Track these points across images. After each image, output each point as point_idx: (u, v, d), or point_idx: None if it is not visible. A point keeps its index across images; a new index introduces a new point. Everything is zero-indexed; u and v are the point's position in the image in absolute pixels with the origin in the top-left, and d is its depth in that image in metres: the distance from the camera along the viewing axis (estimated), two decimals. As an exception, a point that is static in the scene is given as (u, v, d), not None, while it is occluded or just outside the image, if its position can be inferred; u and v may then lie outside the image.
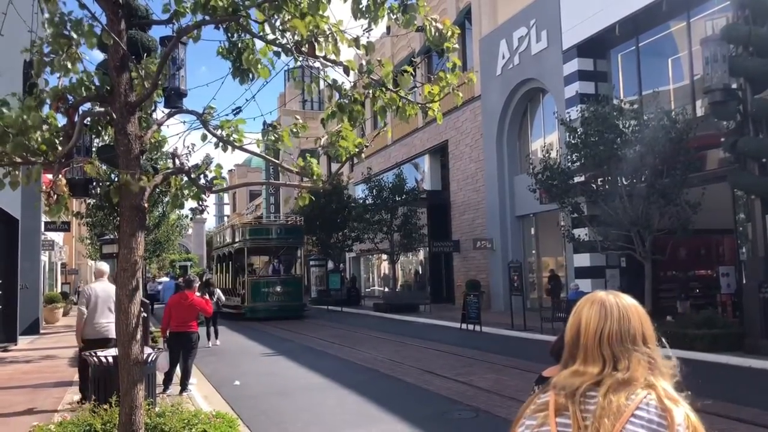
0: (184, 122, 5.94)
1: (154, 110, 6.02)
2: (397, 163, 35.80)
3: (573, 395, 1.61)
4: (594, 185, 17.43)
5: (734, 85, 14.48)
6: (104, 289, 8.79)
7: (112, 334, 7.84)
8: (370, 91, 4.76)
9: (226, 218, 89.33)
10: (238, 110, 5.08)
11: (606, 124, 16.28)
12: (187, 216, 25.01)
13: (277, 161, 5.29)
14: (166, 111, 6.00)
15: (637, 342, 1.64)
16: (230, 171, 74.51)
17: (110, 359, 7.11)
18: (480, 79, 27.42)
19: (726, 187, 15.12)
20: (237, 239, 30.09)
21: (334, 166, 42.62)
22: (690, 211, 15.57)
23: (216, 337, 19.25)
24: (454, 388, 10.55)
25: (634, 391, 1.56)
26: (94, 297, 8.70)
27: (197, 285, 11.25)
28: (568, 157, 17.56)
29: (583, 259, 20.79)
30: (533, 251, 26.96)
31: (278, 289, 27.89)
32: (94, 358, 7.29)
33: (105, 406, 5.83)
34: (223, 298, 22.26)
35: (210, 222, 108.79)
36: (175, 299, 10.64)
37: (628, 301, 1.71)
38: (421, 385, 10.93)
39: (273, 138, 5.16)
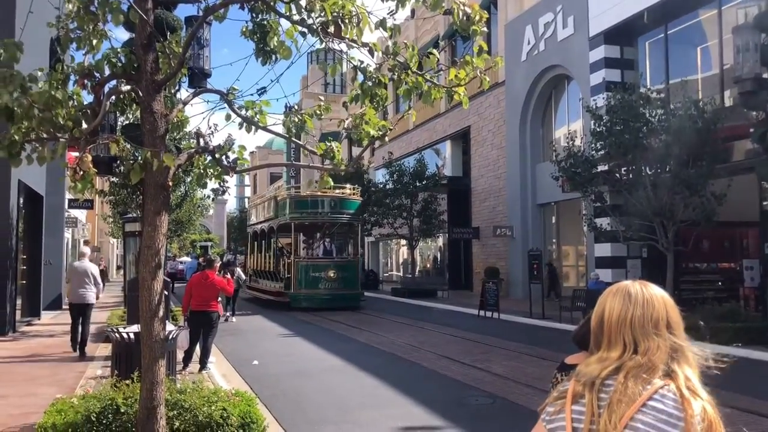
0: (208, 102, 5.96)
1: (179, 90, 6.05)
2: (419, 148, 35.71)
3: (591, 383, 1.60)
4: (618, 174, 17.27)
5: (765, 75, 14.20)
6: (82, 266, 12.03)
7: (88, 300, 12.03)
8: (395, 74, 4.74)
9: (246, 200, 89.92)
10: (263, 91, 5.08)
11: (632, 113, 16.10)
12: (208, 196, 25.04)
13: (300, 142, 5.30)
14: (191, 90, 6.03)
15: (660, 327, 1.63)
16: (251, 153, 74.87)
17: (132, 336, 7.21)
18: (504, 65, 27.18)
19: (753, 179, 14.88)
20: (280, 213, 25.58)
21: (355, 151, 42.65)
22: (715, 202, 15.37)
23: (233, 314, 19.53)
24: (471, 374, 10.56)
25: (652, 378, 1.54)
26: (73, 273, 12.06)
27: (218, 265, 11.35)
28: (593, 145, 17.39)
29: (604, 249, 20.64)
30: (553, 240, 26.82)
31: (331, 273, 23.71)
32: (117, 335, 7.39)
33: (127, 382, 5.92)
34: (243, 276, 22.67)
35: (230, 204, 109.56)
36: (197, 278, 10.75)
37: (654, 290, 1.70)
38: (438, 370, 10.95)
39: (297, 120, 5.17)
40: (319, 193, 24.21)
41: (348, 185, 26.44)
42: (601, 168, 17.78)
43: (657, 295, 1.68)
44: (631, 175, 16.77)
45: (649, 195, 15.86)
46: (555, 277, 24.94)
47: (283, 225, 25.55)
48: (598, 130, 17.08)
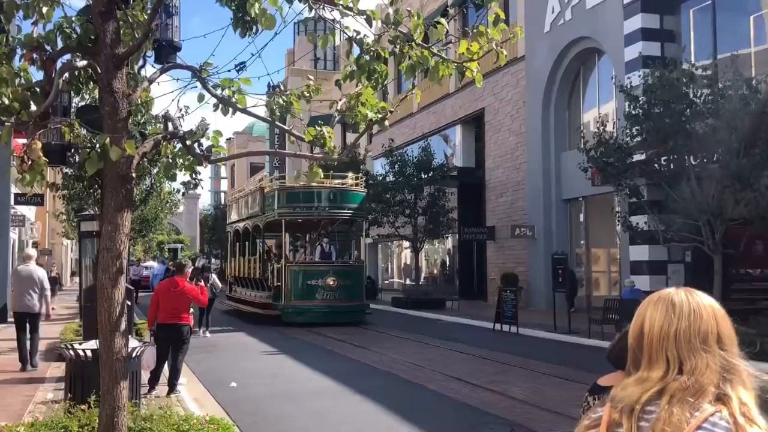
0: (177, 80, 5.94)
1: (143, 66, 6.05)
2: (424, 134, 35.72)
3: (630, 409, 1.59)
4: (657, 165, 17.28)
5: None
6: (27, 269, 12.02)
7: (34, 309, 12.05)
8: (397, 47, 4.74)
9: (222, 195, 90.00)
10: (241, 66, 5.08)
11: (673, 93, 16.11)
12: (178, 191, 24.97)
13: (286, 128, 5.30)
14: (157, 66, 6.02)
15: (709, 342, 1.61)
16: (228, 140, 74.85)
17: (89, 353, 7.22)
18: (524, 37, 27.16)
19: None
20: (268, 208, 24.69)
21: (350, 138, 42.65)
22: (770, 197, 15.38)
23: (207, 328, 19.55)
24: (485, 398, 10.57)
25: (701, 403, 1.53)
26: (18, 278, 12.09)
27: (189, 270, 11.35)
28: (627, 130, 17.40)
29: (640, 252, 20.66)
30: (582, 241, 26.84)
31: (330, 281, 22.63)
32: (71, 352, 7.39)
33: (82, 407, 5.92)
34: (219, 284, 22.44)
35: (204, 199, 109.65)
36: (164, 286, 10.75)
37: (703, 299, 1.69)
38: (446, 393, 10.95)
39: (282, 101, 5.17)
40: (314, 184, 22.67)
41: (350, 174, 25.82)
42: (637, 157, 17.77)
43: (705, 304, 1.67)
44: (672, 166, 16.77)
45: (694, 189, 15.87)
46: (573, 284, 24.97)
47: (271, 223, 24.60)
48: (633, 113, 17.08)
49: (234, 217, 30.63)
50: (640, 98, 16.98)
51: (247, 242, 27.90)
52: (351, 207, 24.17)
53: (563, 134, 26.81)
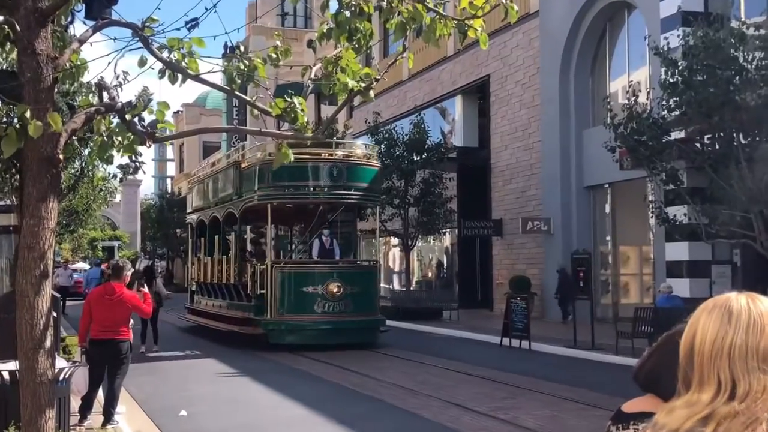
0: (114, 40, 5.88)
1: (72, 22, 6.02)
2: (417, 107, 35.71)
3: None
4: (699, 144, 17.37)
5: None
6: None
7: None
8: (384, 0, 4.75)
9: (169, 180, 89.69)
10: (193, 23, 5.07)
11: (719, 57, 16.18)
12: (114, 176, 24.84)
13: (248, 99, 5.30)
14: (90, 24, 5.99)
15: None
16: (176, 114, 74.62)
17: (6, 375, 7.20)
18: (538, -12, 27.23)
19: None
20: (246, 190, 22.32)
21: (326, 111, 42.62)
22: (836, 184, 15.52)
23: (156, 342, 19.53)
24: (491, 428, 10.61)
25: None
26: None
27: (129, 274, 11.30)
28: (664, 102, 17.48)
29: (679, 251, 20.79)
30: (607, 238, 26.97)
31: (334, 287, 20.30)
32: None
33: (-1, 441, 5.91)
34: (164, 290, 22.25)
35: (146, 186, 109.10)
36: (98, 294, 10.70)
37: (766, 305, 1.69)
38: (444, 423, 10.96)
39: (243, 65, 5.16)
40: (311, 157, 21.23)
41: (359, 142, 24.76)
42: (675, 135, 17.86)
43: None
44: (717, 146, 16.86)
45: (744, 173, 15.97)
46: (567, 288, 25.12)
47: (250, 209, 22.73)
48: (671, 81, 17.15)
49: (196, 204, 28.42)
50: (679, 63, 17.04)
51: (216, 236, 25.41)
52: (360, 187, 21.86)
53: (585, 107, 26.88)
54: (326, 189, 21.54)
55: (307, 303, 20.60)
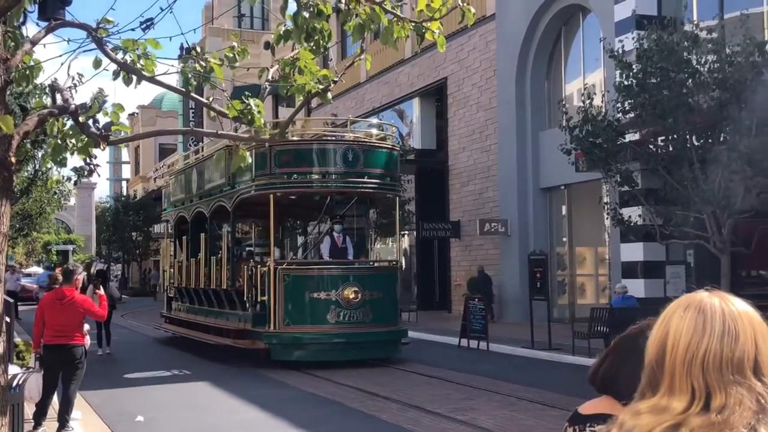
0: (68, 41, 5.80)
1: (24, 22, 5.93)
2: (374, 108, 35.77)
3: None
4: (653, 146, 17.54)
5: None
6: None
7: None
8: (342, 2, 4.73)
9: (124, 183, 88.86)
10: (148, 24, 5.01)
11: (673, 60, 16.35)
12: (69, 179, 24.49)
13: (204, 100, 5.25)
14: (43, 24, 5.91)
15: (744, 371, 1.57)
16: (132, 115, 73.94)
17: (-43, 382, 7.06)
18: (495, -9, 27.36)
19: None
20: (240, 179, 19.28)
21: (284, 112, 42.46)
22: (787, 185, 15.76)
23: (108, 344, 19.41)
24: (450, 429, 10.63)
25: None
26: None
27: (81, 277, 11.15)
28: (618, 105, 17.62)
29: (634, 251, 21.00)
30: (564, 239, 27.18)
31: (350, 293, 17.48)
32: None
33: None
34: (117, 293, 21.93)
35: (102, 189, 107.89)
36: (49, 299, 10.57)
37: (739, 307, 1.65)
38: (403, 425, 10.97)
39: (199, 67, 5.12)
40: (313, 138, 19.39)
41: (374, 120, 22.81)
42: (629, 137, 18.01)
43: (744, 319, 1.63)
44: (671, 148, 17.03)
45: (697, 175, 16.15)
46: (488, 290, 25.23)
47: (246, 201, 19.66)
48: (625, 83, 17.29)
49: (176, 198, 25.37)
50: (633, 66, 17.19)
51: (202, 234, 22.18)
52: (378, 174, 18.85)
53: (542, 109, 27.06)
54: (339, 176, 18.52)
55: (319, 311, 17.67)
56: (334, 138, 19.51)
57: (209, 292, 21.26)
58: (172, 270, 25.53)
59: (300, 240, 25.58)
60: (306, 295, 17.71)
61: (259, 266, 18.70)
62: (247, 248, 23.55)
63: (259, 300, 18.23)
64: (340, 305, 17.47)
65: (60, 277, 11.24)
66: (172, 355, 20.57)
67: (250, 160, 5.26)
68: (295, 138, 19.04)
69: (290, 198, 20.36)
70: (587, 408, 2.32)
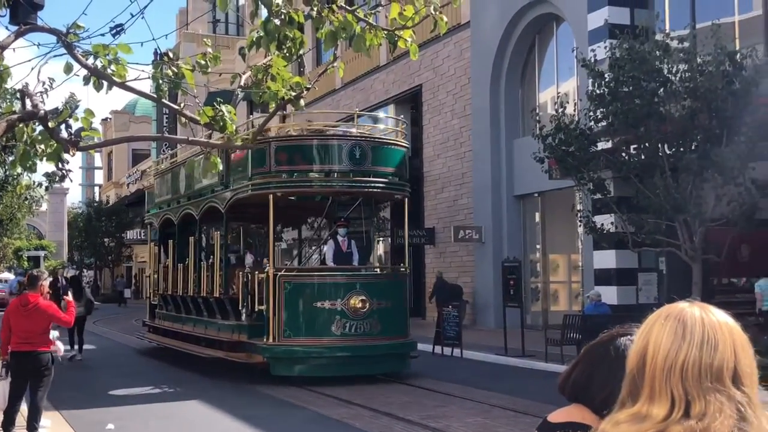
0: (39, 45, 5.74)
1: (-6, 27, 5.87)
2: (349, 115, 35.71)
3: None
4: (625, 154, 17.63)
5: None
6: None
7: None
8: (314, 9, 4.72)
9: (97, 189, 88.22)
10: (119, 29, 4.98)
11: (644, 69, 16.45)
12: (40, 184, 24.17)
13: (176, 107, 5.22)
14: (13, 29, 5.86)
15: (724, 380, 1.59)
16: (105, 120, 73.47)
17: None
18: (470, 0, 27.45)
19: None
20: (234, 177, 17.93)
21: (258, 119, 42.28)
22: (758, 193, 15.89)
23: (80, 350, 19.25)
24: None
25: None
26: None
27: (46, 283, 11.00)
28: (591, 113, 17.70)
29: (606, 259, 21.11)
30: (537, 246, 27.28)
31: (358, 302, 16.11)
32: None
33: None
34: (93, 300, 21.62)
35: (74, 195, 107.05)
36: (14, 305, 10.46)
37: (719, 317, 1.66)
38: (375, 433, 10.98)
39: (171, 72, 5.09)
40: (320, 135, 17.93)
41: (382, 114, 20.84)
42: (602, 145, 18.10)
43: (723, 329, 1.65)
44: (643, 156, 17.13)
45: (668, 183, 16.26)
46: (444, 294, 25.19)
47: (242, 202, 18.30)
48: (598, 92, 17.38)
49: (161, 199, 23.90)
50: (605, 75, 17.28)
51: (191, 238, 20.89)
52: (387, 173, 17.50)
53: (516, 117, 27.16)
54: (344, 175, 17.13)
55: (323, 322, 16.26)
56: (339, 133, 17.89)
57: (198, 300, 19.94)
58: (156, 276, 23.92)
59: (297, 244, 24.26)
60: (308, 305, 16.33)
61: (256, 273, 17.47)
62: (233, 254, 22.04)
63: (256, 309, 16.83)
64: (345, 315, 16.08)
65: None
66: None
67: (221, 167, 5.23)
68: (295, 132, 17.91)
69: (289, 199, 18.70)
70: (557, 416, 2.31)
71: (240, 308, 17.53)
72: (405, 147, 18.37)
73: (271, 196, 16.70)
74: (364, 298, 16.14)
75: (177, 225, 21.85)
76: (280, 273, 16.57)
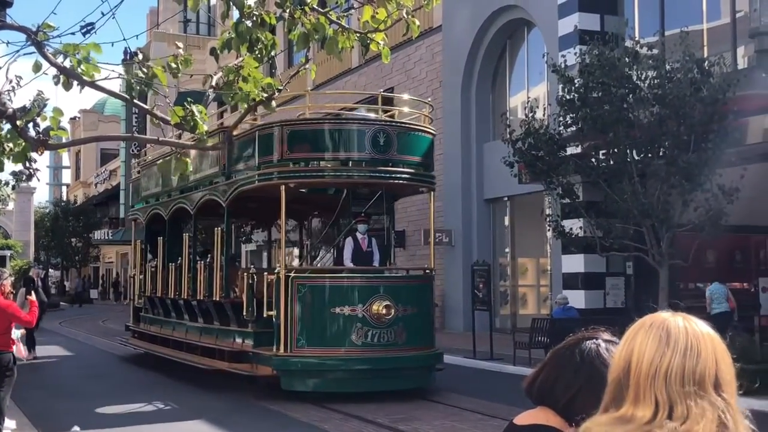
0: (8, 44, 5.68)
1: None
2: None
3: None
4: (594, 159, 17.74)
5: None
6: None
7: None
8: (286, 11, 4.72)
9: (64, 188, 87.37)
10: (89, 28, 4.95)
11: (614, 75, 16.56)
12: (6, 183, 23.86)
13: (146, 107, 5.20)
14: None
15: (705, 386, 1.64)
16: (73, 119, 72.79)
17: None
18: (441, 3, 27.46)
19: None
20: (240, 167, 16.25)
21: (228, 119, 42.10)
22: (724, 199, 16.06)
23: (33, 348, 18.99)
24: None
25: None
26: None
27: (6, 282, 10.85)
28: (560, 118, 17.79)
29: (574, 263, 21.22)
30: (506, 250, 27.37)
31: (382, 308, 14.29)
32: None
33: None
34: (45, 297, 21.11)
35: (41, 194, 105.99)
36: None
37: (701, 328, 1.71)
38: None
39: (141, 73, 5.06)
40: (331, 118, 16.63)
41: (406, 95, 18.89)
42: (571, 150, 18.20)
43: (705, 338, 1.70)
44: (611, 161, 17.24)
45: (636, 188, 16.38)
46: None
47: (243, 194, 16.38)
48: (567, 97, 17.47)
49: (150, 190, 21.97)
50: (575, 80, 17.38)
51: (184, 235, 19.37)
52: (412, 162, 15.72)
53: (486, 121, 27.26)
54: (366, 164, 15.39)
55: (342, 330, 14.47)
56: (361, 118, 16.05)
57: (192, 303, 18.04)
58: (142, 277, 21.87)
59: (304, 243, 21.93)
60: (325, 310, 14.52)
61: (265, 274, 15.92)
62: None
63: (265, 315, 14.92)
64: (367, 323, 14.24)
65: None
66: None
67: (191, 168, 5.21)
68: (310, 115, 16.20)
69: (299, 191, 16.48)
70: (523, 419, 2.33)
71: (244, 314, 15.47)
72: (432, 134, 16.59)
73: (282, 188, 14.74)
74: (388, 303, 14.32)
75: (167, 221, 20.01)
76: (293, 274, 14.70)
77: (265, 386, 14.62)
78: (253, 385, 14.90)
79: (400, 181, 15.82)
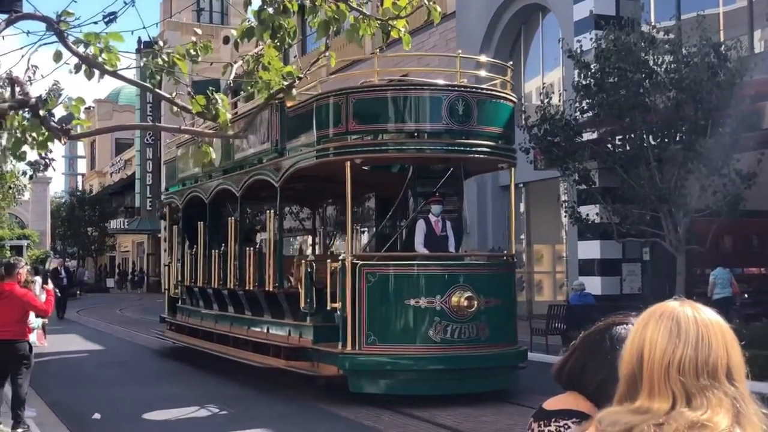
0: (28, 33, 5.69)
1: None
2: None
3: None
4: (610, 145, 17.70)
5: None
6: None
7: None
8: (307, -2, 4.72)
9: (80, 178, 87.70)
10: (111, 17, 4.96)
11: (630, 60, 16.51)
12: (24, 173, 23.87)
13: (168, 96, 5.21)
14: (2, 16, 5.83)
15: (719, 376, 1.65)
16: (88, 109, 72.94)
17: None
18: (455, -11, 27.40)
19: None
20: (296, 143, 14.65)
21: (241, 108, 42.10)
22: (741, 184, 16.00)
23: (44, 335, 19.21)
24: (410, 426, 10.71)
25: None
26: None
27: (23, 271, 10.90)
28: (576, 104, 17.76)
29: (591, 249, 21.19)
30: (522, 236, 27.32)
31: (463, 300, 12.51)
32: None
33: None
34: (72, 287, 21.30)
35: (57, 184, 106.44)
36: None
37: (710, 316, 1.72)
38: (362, 422, 11.08)
39: (161, 62, 5.07)
40: (396, 86, 15.06)
41: (483, 57, 17.58)
42: (587, 136, 18.16)
43: (715, 328, 1.70)
44: (628, 147, 17.21)
45: (653, 174, 16.35)
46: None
47: (298, 173, 14.74)
48: (583, 83, 17.44)
49: (188, 171, 20.35)
50: (591, 65, 17.34)
51: (230, 219, 17.59)
52: (493, 134, 13.85)
53: (501, 107, 27.16)
54: (443, 136, 13.53)
55: (418, 325, 12.73)
56: (436, 84, 14.43)
57: (239, 293, 16.39)
58: (179, 265, 20.31)
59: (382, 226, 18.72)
60: (399, 302, 12.81)
61: (328, 261, 13.89)
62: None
63: (328, 307, 13.11)
64: (446, 317, 12.53)
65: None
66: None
67: (214, 156, 5.23)
68: (375, 80, 14.89)
69: (362, 168, 13.90)
70: (552, 404, 2.34)
71: (302, 305, 13.86)
72: (514, 101, 14.76)
73: (347, 164, 13.04)
74: (470, 294, 12.55)
75: (208, 205, 18.39)
76: (361, 262, 12.99)
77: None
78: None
79: (482, 156, 14.02)
